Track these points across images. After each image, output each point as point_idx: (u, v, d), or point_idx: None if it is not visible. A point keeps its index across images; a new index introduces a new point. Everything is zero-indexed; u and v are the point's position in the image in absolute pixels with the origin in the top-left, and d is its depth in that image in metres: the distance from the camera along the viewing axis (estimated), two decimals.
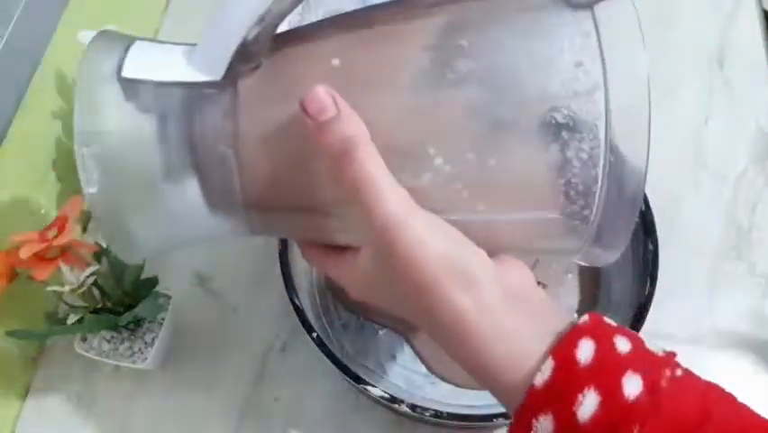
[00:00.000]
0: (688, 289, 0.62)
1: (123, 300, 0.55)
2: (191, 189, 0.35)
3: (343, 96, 0.32)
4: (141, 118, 0.34)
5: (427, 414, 0.49)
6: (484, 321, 0.32)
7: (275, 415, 0.58)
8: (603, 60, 0.32)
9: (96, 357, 0.56)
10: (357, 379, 0.50)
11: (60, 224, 0.50)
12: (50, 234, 0.49)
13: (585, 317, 0.32)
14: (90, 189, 0.34)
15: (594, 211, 0.34)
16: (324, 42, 0.35)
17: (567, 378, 0.30)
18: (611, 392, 0.29)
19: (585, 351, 0.30)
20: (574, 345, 0.30)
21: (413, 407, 0.50)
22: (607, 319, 0.32)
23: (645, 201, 0.55)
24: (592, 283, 0.60)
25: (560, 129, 0.32)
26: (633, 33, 0.33)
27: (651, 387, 0.29)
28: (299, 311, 0.52)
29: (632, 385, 0.29)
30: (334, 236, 0.37)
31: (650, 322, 0.50)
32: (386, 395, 0.50)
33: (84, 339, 0.57)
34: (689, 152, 0.68)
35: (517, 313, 0.32)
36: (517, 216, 0.34)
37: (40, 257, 0.49)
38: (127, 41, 0.36)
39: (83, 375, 0.60)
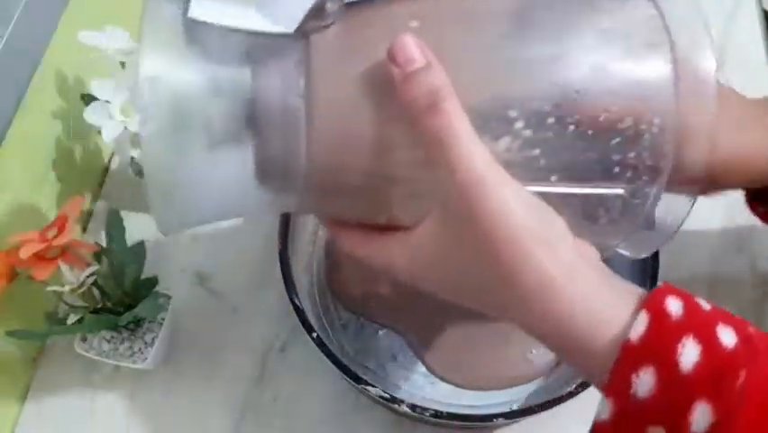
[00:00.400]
0: (688, 289, 0.62)
1: (123, 300, 0.55)
2: (245, 152, 0.33)
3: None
4: (203, 65, 0.32)
5: (427, 414, 0.49)
6: (569, 287, 0.31)
7: (275, 415, 0.58)
8: (670, 39, 0.34)
9: (96, 357, 0.57)
10: (357, 379, 0.50)
11: (60, 224, 0.50)
12: (50, 234, 0.49)
13: (660, 284, 0.32)
14: (143, 132, 0.31)
15: (655, 189, 0.35)
16: (398, 7, 0.34)
17: (663, 330, 0.29)
18: (710, 341, 0.29)
19: (674, 306, 0.30)
20: (663, 302, 0.30)
21: (413, 407, 0.50)
22: None
23: None
24: None
25: (634, 102, 0.33)
26: (694, 15, 0.35)
27: (744, 337, 0.29)
28: (299, 311, 0.52)
29: (727, 336, 0.29)
30: (396, 208, 0.35)
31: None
32: (386, 395, 0.50)
33: (84, 339, 0.57)
34: None
35: (598, 280, 0.32)
36: (585, 191, 0.35)
37: (40, 257, 0.49)
38: None
39: (83, 375, 0.60)
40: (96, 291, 0.54)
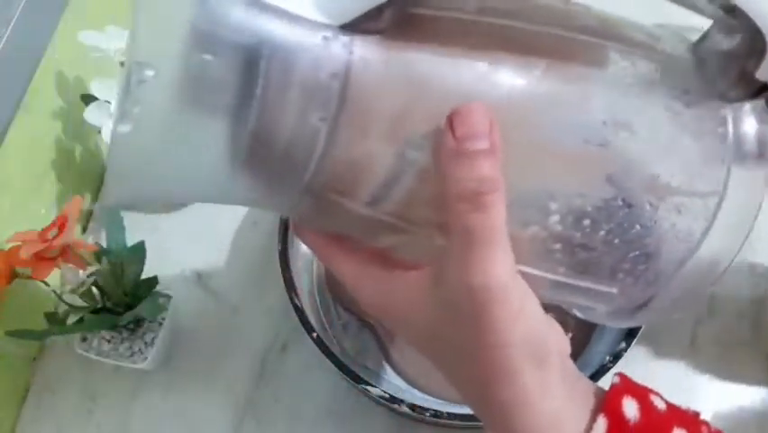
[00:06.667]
0: None
1: (123, 300, 0.55)
2: (220, 133, 0.27)
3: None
4: (222, 46, 0.25)
5: (427, 414, 0.49)
6: (541, 404, 0.30)
7: (275, 415, 0.58)
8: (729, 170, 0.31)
9: (96, 357, 0.57)
10: (357, 379, 0.50)
11: (60, 224, 0.50)
12: (50, 234, 0.49)
13: (616, 379, 0.31)
14: (122, 128, 0.25)
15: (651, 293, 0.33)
16: (469, 31, 0.28)
17: None
18: None
19: (631, 409, 0.29)
20: (620, 404, 0.29)
21: (413, 407, 0.50)
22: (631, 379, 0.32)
23: None
24: None
25: (672, 214, 0.31)
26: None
27: None
28: (299, 311, 0.52)
29: None
30: (392, 246, 0.32)
31: (650, 323, 0.51)
32: (386, 395, 0.50)
33: (84, 339, 0.57)
34: None
35: (566, 395, 0.31)
36: (580, 284, 0.33)
37: (40, 257, 0.49)
38: None
39: (83, 375, 0.60)
40: (95, 291, 0.54)
